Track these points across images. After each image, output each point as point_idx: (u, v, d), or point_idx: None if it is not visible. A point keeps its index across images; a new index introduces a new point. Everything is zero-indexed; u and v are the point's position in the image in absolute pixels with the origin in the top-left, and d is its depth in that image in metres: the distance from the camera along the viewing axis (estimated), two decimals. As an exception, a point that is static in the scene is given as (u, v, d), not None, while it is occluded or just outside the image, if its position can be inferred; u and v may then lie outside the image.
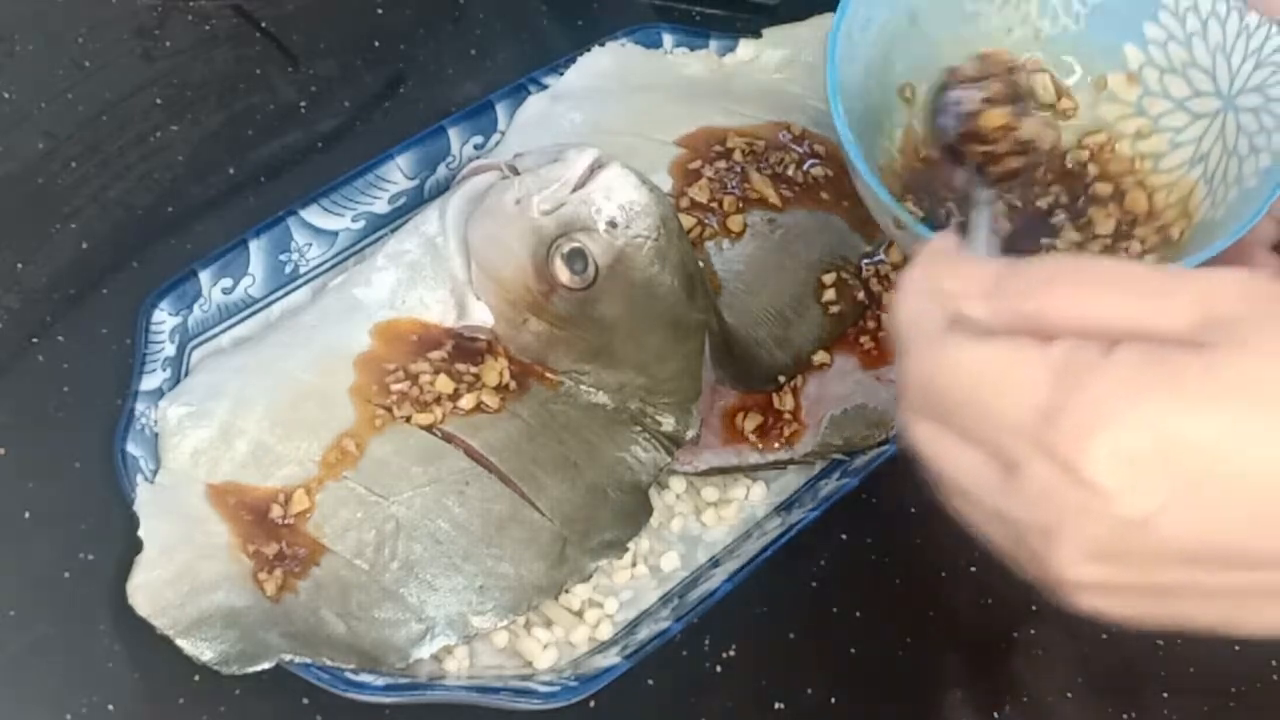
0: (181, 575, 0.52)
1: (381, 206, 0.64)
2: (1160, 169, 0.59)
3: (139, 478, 0.55)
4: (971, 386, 0.37)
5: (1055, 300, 0.37)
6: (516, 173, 0.57)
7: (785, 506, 0.58)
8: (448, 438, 0.56)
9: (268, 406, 0.57)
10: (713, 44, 0.71)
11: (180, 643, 0.51)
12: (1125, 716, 0.54)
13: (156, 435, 0.56)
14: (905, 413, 0.39)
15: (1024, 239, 0.57)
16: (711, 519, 0.59)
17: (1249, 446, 0.34)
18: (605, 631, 0.55)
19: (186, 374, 0.59)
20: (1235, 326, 0.35)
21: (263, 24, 0.74)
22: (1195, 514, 0.34)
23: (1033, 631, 0.56)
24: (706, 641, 0.55)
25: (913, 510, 0.59)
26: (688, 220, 0.62)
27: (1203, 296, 0.36)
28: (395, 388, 0.57)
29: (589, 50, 0.69)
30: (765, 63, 0.70)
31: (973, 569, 0.57)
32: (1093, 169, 0.60)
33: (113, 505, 0.54)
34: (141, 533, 0.53)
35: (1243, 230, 0.52)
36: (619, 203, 0.55)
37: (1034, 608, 0.57)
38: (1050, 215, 0.59)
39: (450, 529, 0.55)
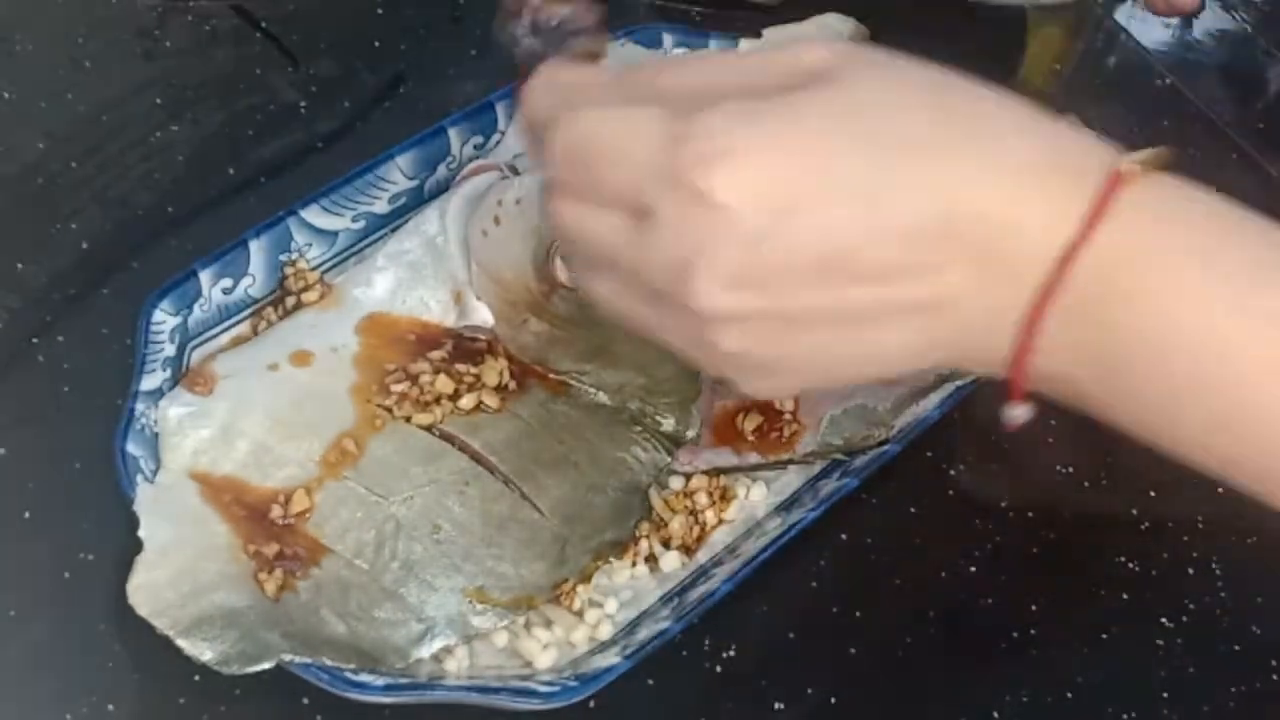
0: (181, 575, 0.52)
1: (381, 206, 0.64)
2: None
3: (139, 478, 0.55)
4: (599, 141, 0.39)
5: (666, 77, 0.40)
6: (516, 173, 0.57)
7: (785, 506, 0.58)
8: (447, 438, 0.56)
9: (268, 407, 0.57)
10: (713, 44, 0.70)
11: (180, 643, 0.51)
12: (1125, 716, 0.54)
13: (156, 435, 0.56)
14: (549, 197, 0.41)
15: None
16: (711, 519, 0.59)
17: (845, 159, 0.37)
18: (605, 631, 0.55)
19: (186, 374, 0.59)
20: (827, 71, 0.38)
21: (263, 24, 0.74)
22: (814, 225, 0.36)
23: (1033, 631, 0.56)
24: (706, 641, 0.55)
25: (913, 510, 0.59)
26: (688, 220, 0.62)
27: (795, 56, 0.39)
28: (395, 388, 0.57)
29: (589, 50, 0.69)
30: (765, 63, 0.70)
31: (973, 569, 0.57)
32: None
33: (113, 505, 0.54)
34: (141, 533, 0.53)
35: None
36: (619, 203, 0.55)
37: (1034, 607, 0.57)
38: None
39: (450, 529, 0.55)
